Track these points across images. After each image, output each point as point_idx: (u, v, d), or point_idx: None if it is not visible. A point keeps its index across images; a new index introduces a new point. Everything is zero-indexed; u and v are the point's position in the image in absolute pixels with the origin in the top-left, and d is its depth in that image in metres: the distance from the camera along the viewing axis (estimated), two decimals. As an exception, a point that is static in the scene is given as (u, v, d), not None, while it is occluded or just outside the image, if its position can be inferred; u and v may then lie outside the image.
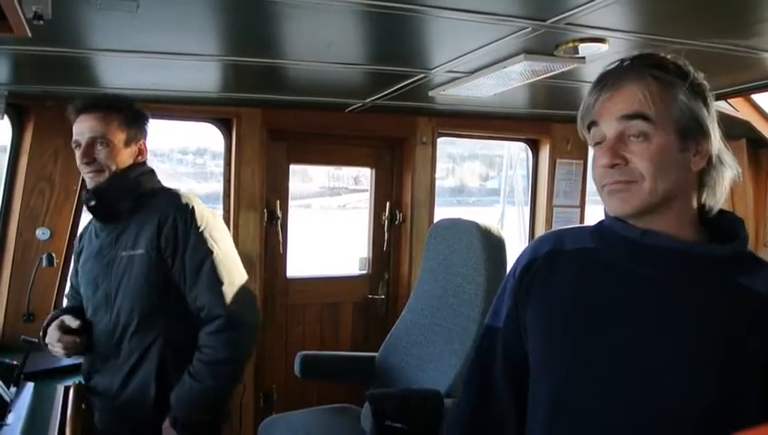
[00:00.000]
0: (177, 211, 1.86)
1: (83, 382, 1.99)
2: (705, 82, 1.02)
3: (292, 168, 3.43)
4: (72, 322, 1.90)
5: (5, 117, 2.60)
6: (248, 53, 2.09)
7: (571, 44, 1.84)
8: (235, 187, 3.08)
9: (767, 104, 3.41)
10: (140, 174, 1.92)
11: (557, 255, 1.12)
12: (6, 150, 2.76)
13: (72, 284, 2.14)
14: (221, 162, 3.20)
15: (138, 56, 2.03)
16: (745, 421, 0.73)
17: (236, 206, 3.08)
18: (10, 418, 1.84)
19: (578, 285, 1.08)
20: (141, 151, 1.96)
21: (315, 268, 5.07)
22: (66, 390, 2.08)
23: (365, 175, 3.64)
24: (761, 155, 3.85)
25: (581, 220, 3.78)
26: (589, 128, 1.04)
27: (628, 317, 1.01)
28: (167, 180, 2.06)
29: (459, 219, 2.47)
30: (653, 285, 1.00)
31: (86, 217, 2.93)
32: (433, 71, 2.27)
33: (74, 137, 1.88)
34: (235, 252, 1.98)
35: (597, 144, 1.03)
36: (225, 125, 3.14)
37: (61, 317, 1.94)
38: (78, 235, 2.13)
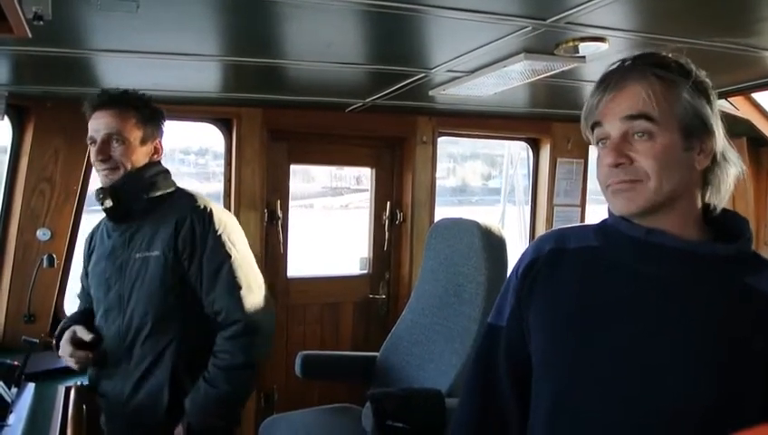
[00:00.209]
0: (195, 213, 1.83)
1: (90, 385, 1.95)
2: (707, 81, 1.02)
3: (294, 168, 3.43)
4: (85, 335, 1.85)
5: (6, 118, 2.60)
6: (248, 53, 2.09)
7: (571, 44, 1.84)
8: (235, 187, 3.08)
9: (767, 103, 3.41)
10: (156, 173, 1.89)
11: (560, 253, 1.12)
12: (7, 151, 2.76)
13: (82, 285, 2.10)
14: (222, 162, 3.20)
15: (138, 56, 2.03)
16: (749, 421, 0.73)
17: (237, 206, 3.08)
18: (11, 418, 1.83)
19: (581, 283, 1.08)
20: (157, 150, 1.92)
21: (317, 268, 5.07)
22: (67, 390, 2.08)
23: (366, 175, 3.64)
24: (761, 154, 3.84)
25: (582, 219, 3.78)
26: (592, 128, 1.04)
27: (632, 316, 1.00)
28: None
29: (460, 219, 2.47)
30: (657, 284, 1.00)
31: (86, 217, 2.95)
32: (433, 70, 2.27)
33: (90, 133, 1.83)
34: (252, 255, 1.94)
35: (601, 144, 1.03)
36: (225, 125, 3.14)
37: (73, 328, 1.88)
38: (89, 234, 2.08)
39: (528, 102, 3.14)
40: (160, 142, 1.93)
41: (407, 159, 3.49)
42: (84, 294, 2.08)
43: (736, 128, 3.40)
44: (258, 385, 3.19)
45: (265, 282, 1.95)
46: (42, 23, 1.26)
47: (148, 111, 1.88)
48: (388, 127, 3.36)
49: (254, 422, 3.04)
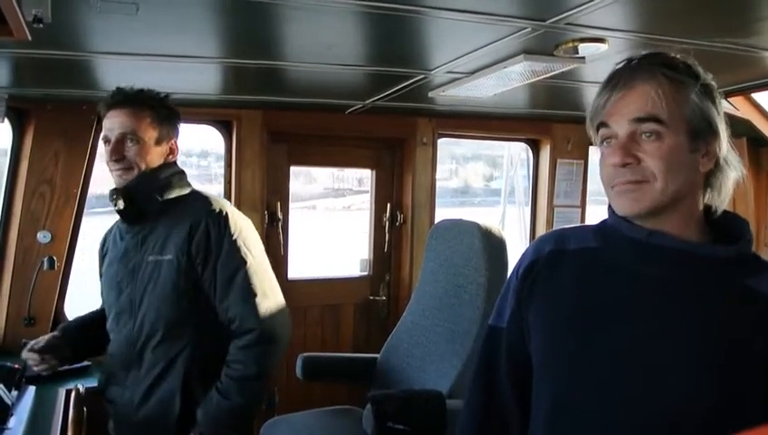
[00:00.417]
0: (210, 217, 1.78)
1: (98, 389, 1.93)
2: (713, 83, 1.02)
3: (296, 169, 3.42)
4: (38, 343, 1.89)
5: (6, 120, 2.60)
6: (248, 55, 2.09)
7: (570, 44, 1.84)
8: (235, 188, 3.08)
9: (767, 103, 3.41)
10: (171, 174, 1.85)
11: (559, 254, 1.12)
12: (7, 154, 2.76)
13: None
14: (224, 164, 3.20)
15: (138, 59, 2.03)
16: (749, 422, 0.73)
17: (237, 207, 3.07)
18: (11, 422, 1.83)
19: (581, 285, 1.07)
20: (172, 151, 1.88)
21: (318, 270, 5.06)
22: (68, 393, 2.08)
23: (368, 176, 3.65)
24: (761, 154, 3.84)
25: (582, 220, 3.78)
26: (598, 128, 1.03)
27: (632, 317, 1.00)
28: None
29: (460, 220, 2.47)
30: (657, 285, 1.00)
31: (86, 220, 2.95)
32: (433, 72, 2.27)
33: (104, 132, 1.80)
34: (267, 261, 1.89)
35: (606, 143, 1.02)
36: (225, 127, 3.14)
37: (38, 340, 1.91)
38: (103, 236, 2.05)
39: (528, 103, 3.14)
40: (176, 143, 1.89)
41: (407, 161, 3.49)
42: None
43: (736, 128, 3.36)
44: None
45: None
46: (41, 25, 1.26)
47: (165, 110, 1.85)
48: (388, 128, 3.36)
49: (255, 424, 3.03)
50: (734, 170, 1.04)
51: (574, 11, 1.56)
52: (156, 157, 1.82)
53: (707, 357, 0.96)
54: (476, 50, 1.95)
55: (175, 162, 1.90)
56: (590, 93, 1.68)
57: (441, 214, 3.50)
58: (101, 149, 2.90)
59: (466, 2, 1.53)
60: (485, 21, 1.64)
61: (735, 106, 3.28)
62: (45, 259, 2.69)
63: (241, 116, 3.07)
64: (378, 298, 3.58)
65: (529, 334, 1.13)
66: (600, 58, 1.90)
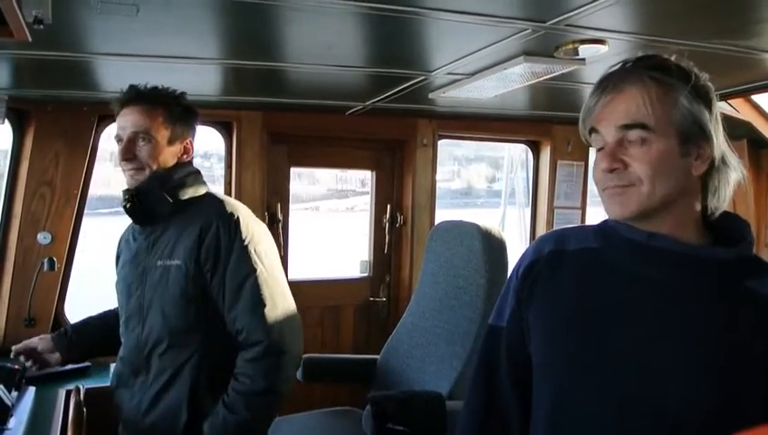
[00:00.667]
0: (221, 220, 1.71)
1: (111, 389, 1.89)
2: (709, 84, 1.01)
3: (299, 171, 3.42)
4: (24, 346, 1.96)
5: (6, 121, 2.60)
6: (248, 57, 2.09)
7: (570, 46, 1.84)
8: (235, 190, 3.09)
9: (767, 105, 3.41)
10: (185, 175, 1.79)
11: (559, 255, 1.12)
12: (7, 155, 2.76)
13: None
14: (226, 166, 3.20)
15: (138, 60, 2.03)
16: (749, 424, 0.73)
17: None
18: (11, 422, 1.83)
19: (581, 286, 1.07)
20: (187, 150, 1.81)
21: (320, 271, 5.05)
22: (68, 394, 2.08)
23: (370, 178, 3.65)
24: (762, 156, 3.84)
25: (582, 222, 3.78)
26: (590, 132, 1.04)
27: (633, 319, 1.00)
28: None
29: (460, 221, 2.47)
30: (658, 287, 1.00)
31: (87, 221, 2.95)
32: (433, 73, 2.27)
33: (116, 131, 1.75)
34: (281, 269, 1.81)
35: (597, 147, 1.03)
36: (225, 128, 3.14)
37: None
38: (120, 236, 2.00)
39: (528, 105, 3.14)
40: (191, 142, 1.83)
41: (407, 162, 3.49)
42: None
43: (736, 130, 3.40)
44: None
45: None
46: (42, 26, 1.26)
47: (179, 108, 1.79)
48: (388, 130, 3.36)
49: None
50: (734, 171, 1.03)
51: (574, 12, 1.56)
52: (169, 157, 1.77)
53: (707, 359, 0.96)
54: (477, 51, 1.96)
55: (190, 162, 1.84)
56: (590, 95, 1.68)
57: (444, 215, 3.50)
58: (101, 151, 2.92)
59: (467, 3, 1.53)
60: (486, 22, 1.65)
61: (735, 108, 3.28)
62: (45, 260, 2.69)
63: (241, 117, 3.07)
64: (378, 299, 3.58)
65: (529, 334, 1.13)
66: (600, 59, 1.90)
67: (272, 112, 3.10)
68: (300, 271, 3.60)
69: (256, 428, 1.73)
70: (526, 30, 1.71)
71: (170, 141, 1.77)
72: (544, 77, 2.17)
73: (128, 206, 1.75)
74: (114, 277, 1.94)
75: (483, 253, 2.27)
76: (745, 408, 0.95)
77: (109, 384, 1.91)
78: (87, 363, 2.53)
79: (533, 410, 1.12)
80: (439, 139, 3.49)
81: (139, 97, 1.74)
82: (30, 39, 1.30)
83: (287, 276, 3.31)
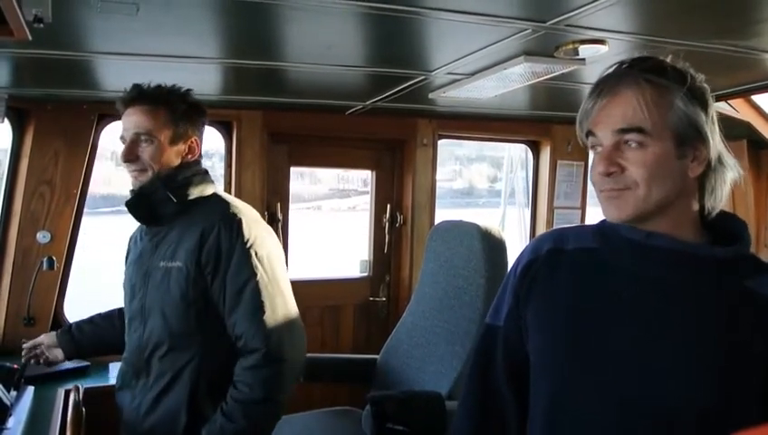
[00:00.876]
0: (223, 222, 1.68)
1: (116, 390, 1.88)
2: (705, 85, 1.02)
3: (301, 170, 3.41)
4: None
5: (6, 120, 2.60)
6: (249, 56, 2.09)
7: (571, 46, 1.84)
8: (235, 189, 3.08)
9: (767, 105, 3.41)
10: (191, 175, 1.75)
11: (558, 254, 1.12)
12: (7, 154, 2.76)
13: None
14: (228, 165, 3.20)
15: (138, 59, 2.03)
16: (748, 424, 0.73)
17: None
18: (10, 422, 1.83)
19: (580, 285, 1.08)
20: (192, 150, 1.77)
21: (320, 271, 5.05)
22: (67, 394, 2.08)
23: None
24: (761, 156, 3.84)
25: (582, 222, 3.77)
26: (587, 135, 1.04)
27: (632, 319, 1.00)
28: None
29: (460, 221, 2.47)
30: (657, 287, 1.00)
31: (86, 220, 2.95)
32: (433, 73, 2.27)
33: (121, 132, 1.73)
34: (284, 274, 1.77)
35: (594, 150, 1.04)
36: (225, 128, 3.14)
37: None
38: (130, 236, 1.98)
39: (528, 105, 3.14)
40: (197, 141, 1.79)
41: (407, 162, 3.49)
42: None
43: (736, 130, 3.40)
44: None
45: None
46: (42, 25, 1.26)
47: (183, 106, 1.75)
48: (388, 129, 3.36)
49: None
50: (730, 170, 1.03)
51: (574, 12, 1.56)
52: (172, 157, 1.73)
53: (707, 359, 0.96)
54: (477, 51, 1.95)
55: (196, 162, 1.80)
56: (591, 95, 1.68)
57: (446, 215, 3.50)
58: (102, 150, 2.92)
59: (467, 3, 1.53)
60: (486, 22, 1.64)
61: (735, 108, 3.28)
62: (45, 259, 2.69)
63: (241, 117, 3.07)
64: (377, 299, 3.58)
65: (527, 333, 1.13)
66: (600, 60, 1.90)
67: (272, 112, 3.10)
68: (300, 271, 3.60)
69: None
70: (526, 30, 1.71)
71: (173, 141, 1.73)
72: (544, 77, 2.17)
73: (130, 205, 1.74)
74: (117, 276, 1.94)
75: (483, 253, 2.27)
76: (745, 407, 0.95)
77: (107, 384, 1.91)
78: (86, 363, 2.53)
79: (531, 408, 1.12)
80: (439, 139, 3.49)
81: (141, 96, 1.72)
82: (30, 38, 1.30)
83: (287, 276, 3.34)
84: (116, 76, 2.36)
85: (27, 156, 2.70)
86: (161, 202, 1.72)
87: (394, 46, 1.96)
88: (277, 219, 3.26)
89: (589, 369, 1.03)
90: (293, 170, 3.41)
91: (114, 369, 2.49)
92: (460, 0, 1.52)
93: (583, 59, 1.94)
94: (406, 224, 3.52)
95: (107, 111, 2.76)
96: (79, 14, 1.58)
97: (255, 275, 1.66)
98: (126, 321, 1.83)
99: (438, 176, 3.52)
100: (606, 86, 1.01)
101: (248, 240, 1.68)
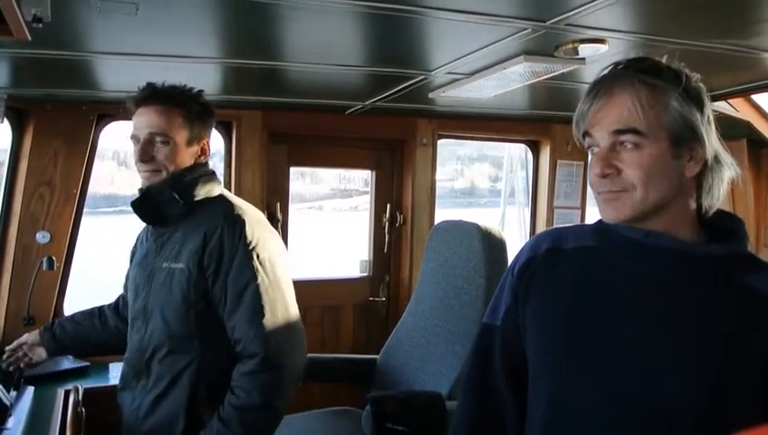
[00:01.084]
0: (226, 224, 1.66)
1: (117, 389, 1.87)
2: (700, 85, 1.02)
3: (302, 170, 3.41)
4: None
5: (5, 120, 2.60)
6: (248, 56, 2.09)
7: (570, 45, 1.84)
8: (235, 189, 3.08)
9: (767, 104, 3.41)
10: (199, 175, 1.74)
11: (557, 253, 1.12)
12: (6, 154, 2.76)
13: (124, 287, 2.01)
14: (229, 165, 3.20)
15: (137, 59, 2.03)
16: (746, 422, 0.73)
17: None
18: (10, 422, 1.83)
19: (578, 284, 1.08)
20: (204, 151, 1.77)
21: (320, 270, 5.05)
22: (66, 394, 2.07)
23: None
24: (761, 155, 3.84)
25: (582, 221, 3.77)
26: (584, 136, 1.05)
27: (631, 317, 1.00)
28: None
29: (460, 221, 2.47)
30: (655, 285, 1.00)
31: (86, 220, 2.95)
32: (433, 72, 2.27)
33: (132, 131, 1.69)
34: (287, 278, 1.73)
35: (591, 151, 1.04)
36: (225, 127, 3.14)
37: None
38: (137, 235, 1.97)
39: (528, 104, 3.14)
40: (208, 142, 1.78)
41: (407, 162, 3.49)
42: (122, 295, 2.04)
43: (736, 130, 3.40)
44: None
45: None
46: (41, 25, 1.26)
47: (197, 107, 1.73)
48: (388, 129, 3.36)
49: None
50: (727, 169, 1.04)
51: (574, 12, 1.56)
52: (186, 158, 1.72)
53: (706, 357, 0.96)
54: (476, 51, 1.95)
55: (206, 163, 1.79)
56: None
57: (445, 215, 3.50)
58: (104, 151, 2.91)
59: (467, 2, 1.53)
60: (486, 22, 1.64)
61: (735, 107, 3.27)
62: (45, 259, 2.69)
63: (241, 116, 3.07)
64: (377, 299, 3.58)
65: (525, 332, 1.13)
66: (600, 59, 1.90)
67: (271, 112, 3.10)
68: (300, 271, 3.60)
69: None
70: (526, 29, 1.71)
71: (189, 142, 1.72)
72: (544, 77, 2.17)
73: (136, 205, 1.72)
74: (117, 276, 1.94)
75: (482, 253, 2.27)
76: (744, 406, 0.95)
77: (107, 384, 1.91)
78: (86, 363, 2.53)
79: (529, 407, 1.12)
80: (439, 138, 3.49)
81: (155, 96, 1.69)
82: (29, 38, 1.29)
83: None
84: (115, 76, 2.36)
85: (27, 156, 2.70)
86: (167, 203, 1.70)
87: (394, 46, 1.96)
88: (277, 219, 3.26)
89: (587, 368, 1.03)
90: (295, 170, 3.41)
91: (114, 369, 2.50)
92: (460, 0, 1.51)
93: (583, 58, 1.94)
94: (406, 224, 3.52)
95: (106, 111, 2.76)
96: (78, 14, 1.58)
97: (256, 277, 1.64)
98: (129, 320, 1.83)
99: (440, 176, 3.52)
100: (602, 87, 1.01)
101: (251, 242, 1.66)
